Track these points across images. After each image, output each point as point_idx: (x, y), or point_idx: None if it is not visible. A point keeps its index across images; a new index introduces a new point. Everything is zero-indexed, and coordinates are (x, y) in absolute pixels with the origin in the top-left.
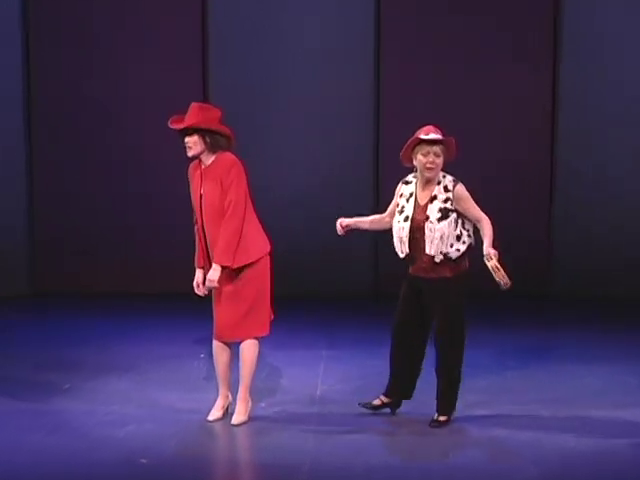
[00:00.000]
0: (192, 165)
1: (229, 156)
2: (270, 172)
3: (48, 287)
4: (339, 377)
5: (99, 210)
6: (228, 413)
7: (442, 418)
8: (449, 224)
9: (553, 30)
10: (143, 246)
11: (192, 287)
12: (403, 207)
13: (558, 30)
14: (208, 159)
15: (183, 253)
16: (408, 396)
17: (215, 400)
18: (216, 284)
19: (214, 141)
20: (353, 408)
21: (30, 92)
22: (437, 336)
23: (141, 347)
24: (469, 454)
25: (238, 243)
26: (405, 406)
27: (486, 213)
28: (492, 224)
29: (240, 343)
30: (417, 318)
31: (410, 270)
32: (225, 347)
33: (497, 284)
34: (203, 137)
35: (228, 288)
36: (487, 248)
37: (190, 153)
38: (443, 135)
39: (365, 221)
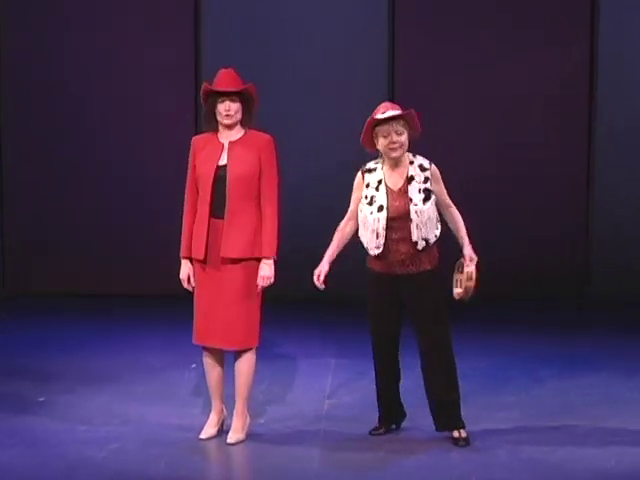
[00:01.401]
0: (199, 138)
1: (265, 134)
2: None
3: (20, 289)
4: (349, 389)
5: (75, 208)
6: (223, 430)
7: (464, 433)
8: (432, 205)
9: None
10: (125, 245)
11: (181, 288)
12: (373, 197)
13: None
14: (236, 133)
15: (168, 253)
16: (404, 414)
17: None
18: (272, 281)
19: (250, 112)
20: (363, 425)
21: (1, 84)
22: (426, 341)
23: (125, 356)
24: (496, 476)
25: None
26: (416, 422)
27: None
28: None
29: (234, 352)
30: (396, 328)
31: (379, 268)
32: (218, 357)
33: (458, 294)
34: (243, 108)
35: (228, 287)
36: (470, 250)
37: (230, 121)
38: (402, 109)
39: (334, 249)
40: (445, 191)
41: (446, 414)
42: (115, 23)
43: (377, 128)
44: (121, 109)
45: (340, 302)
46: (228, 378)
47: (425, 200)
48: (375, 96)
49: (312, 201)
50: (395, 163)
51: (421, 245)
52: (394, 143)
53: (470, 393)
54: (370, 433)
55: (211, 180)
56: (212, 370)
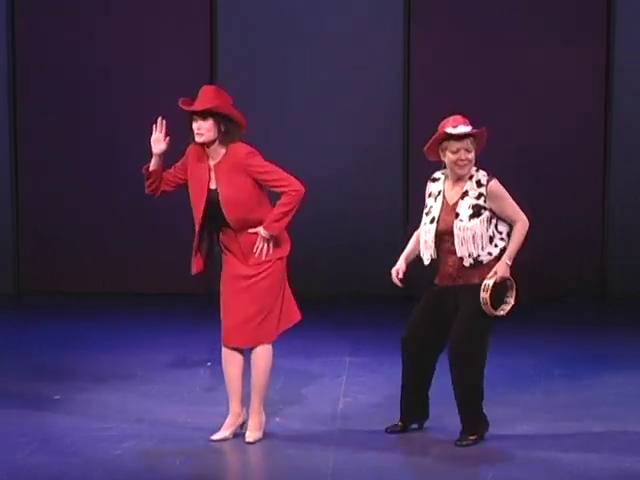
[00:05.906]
0: (194, 148)
1: (242, 146)
2: (286, 159)
3: (35, 286)
4: (364, 387)
5: (89, 208)
6: (240, 432)
7: (472, 437)
8: (481, 222)
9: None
10: (140, 245)
11: (195, 287)
12: (431, 207)
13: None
14: (218, 153)
15: (182, 251)
16: (426, 416)
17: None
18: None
19: (228, 129)
20: (378, 424)
21: (16, 85)
22: (453, 346)
23: (140, 354)
24: (511, 475)
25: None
26: (437, 422)
27: (525, 212)
28: (531, 224)
29: (252, 349)
30: (431, 335)
31: (436, 280)
32: (236, 355)
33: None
34: (218, 124)
35: (242, 285)
36: (500, 265)
37: (201, 139)
38: (472, 125)
39: (409, 249)
40: (509, 206)
41: (462, 417)
42: (131, 22)
43: (445, 142)
44: (136, 109)
45: (355, 300)
46: (247, 378)
47: (472, 216)
48: (390, 98)
49: (326, 203)
50: (458, 178)
51: (468, 262)
52: (462, 160)
53: (486, 392)
54: (386, 430)
55: (204, 201)
56: (230, 369)
